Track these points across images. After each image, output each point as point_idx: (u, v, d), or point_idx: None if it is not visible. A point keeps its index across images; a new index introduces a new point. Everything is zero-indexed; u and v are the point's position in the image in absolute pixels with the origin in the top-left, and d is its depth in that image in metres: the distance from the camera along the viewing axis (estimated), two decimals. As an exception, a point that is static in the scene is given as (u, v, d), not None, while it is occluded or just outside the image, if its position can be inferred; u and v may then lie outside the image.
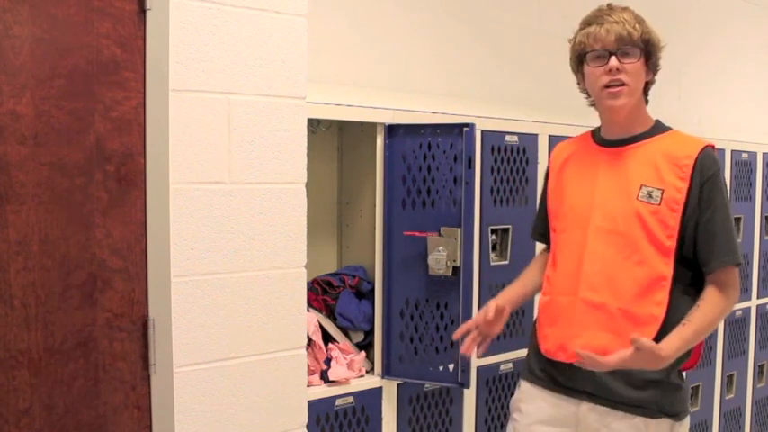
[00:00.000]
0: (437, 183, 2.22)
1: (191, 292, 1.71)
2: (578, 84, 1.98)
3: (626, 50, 1.84)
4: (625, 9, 1.89)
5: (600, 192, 1.91)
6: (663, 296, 1.83)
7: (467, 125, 2.17)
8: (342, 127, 2.52)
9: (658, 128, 1.94)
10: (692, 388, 3.44)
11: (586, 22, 1.91)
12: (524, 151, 2.58)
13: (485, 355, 2.50)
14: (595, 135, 1.99)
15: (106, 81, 1.64)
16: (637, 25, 1.86)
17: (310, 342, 2.17)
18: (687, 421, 1.93)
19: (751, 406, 3.87)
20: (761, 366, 3.91)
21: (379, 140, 2.26)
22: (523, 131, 2.58)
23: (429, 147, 2.23)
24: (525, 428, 1.98)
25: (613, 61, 1.84)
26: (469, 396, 2.49)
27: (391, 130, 2.26)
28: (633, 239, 1.84)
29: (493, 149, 2.49)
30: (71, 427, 1.64)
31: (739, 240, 3.52)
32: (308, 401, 1.95)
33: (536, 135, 2.59)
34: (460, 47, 3.00)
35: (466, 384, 2.23)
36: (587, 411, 1.88)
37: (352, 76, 2.66)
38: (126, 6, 1.65)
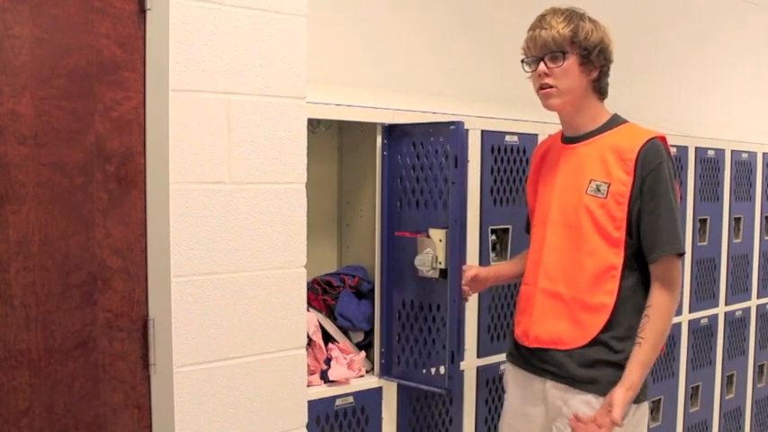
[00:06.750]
0: (430, 182, 2.20)
1: (191, 292, 1.71)
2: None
3: (553, 55, 1.93)
4: (563, 13, 1.95)
5: (558, 187, 2.03)
6: (613, 285, 1.93)
7: (453, 123, 2.12)
8: (342, 127, 2.52)
9: (613, 122, 2.01)
10: (692, 388, 3.44)
11: (528, 29, 2.00)
12: (524, 151, 2.58)
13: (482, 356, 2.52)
14: (563, 134, 2.11)
15: (106, 81, 1.64)
16: (566, 30, 1.92)
17: (310, 342, 2.17)
18: (646, 407, 2.03)
19: (751, 406, 3.87)
20: (761, 366, 3.91)
21: (379, 140, 2.26)
22: (523, 131, 2.58)
23: (423, 146, 2.21)
24: (509, 406, 2.18)
25: (541, 66, 1.95)
26: (469, 396, 2.49)
27: (390, 131, 2.26)
28: (583, 232, 1.95)
29: (493, 149, 2.49)
30: (71, 427, 1.64)
31: (739, 240, 3.60)
32: (308, 401, 1.95)
33: (536, 135, 2.59)
34: (460, 47, 3.00)
35: (453, 391, 2.19)
36: (551, 388, 2.01)
37: (352, 76, 2.65)
38: (126, 6, 1.65)
